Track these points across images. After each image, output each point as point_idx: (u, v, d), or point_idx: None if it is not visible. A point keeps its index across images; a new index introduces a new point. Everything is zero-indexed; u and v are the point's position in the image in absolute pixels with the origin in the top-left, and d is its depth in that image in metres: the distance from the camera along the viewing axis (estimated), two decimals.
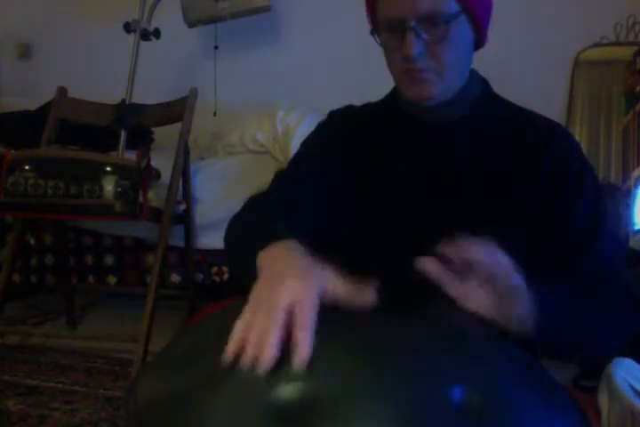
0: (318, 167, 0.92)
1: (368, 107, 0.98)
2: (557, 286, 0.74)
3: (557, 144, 0.84)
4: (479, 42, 0.87)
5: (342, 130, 0.94)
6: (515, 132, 0.86)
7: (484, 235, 0.67)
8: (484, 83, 0.92)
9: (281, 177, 0.95)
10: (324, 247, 0.73)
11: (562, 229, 0.82)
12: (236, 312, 0.62)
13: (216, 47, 2.67)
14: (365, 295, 0.60)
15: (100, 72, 2.81)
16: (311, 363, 0.50)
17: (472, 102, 0.88)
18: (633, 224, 1.73)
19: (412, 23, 0.78)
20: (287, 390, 0.48)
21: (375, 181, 0.89)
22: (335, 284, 0.60)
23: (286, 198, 0.89)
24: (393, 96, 0.94)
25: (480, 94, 0.89)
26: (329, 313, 0.57)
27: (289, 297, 0.55)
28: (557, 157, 0.83)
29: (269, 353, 0.51)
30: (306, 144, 0.98)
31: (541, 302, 0.67)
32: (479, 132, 0.87)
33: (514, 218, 0.82)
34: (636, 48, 2.15)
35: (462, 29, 0.81)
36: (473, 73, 0.90)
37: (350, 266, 0.73)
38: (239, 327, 0.54)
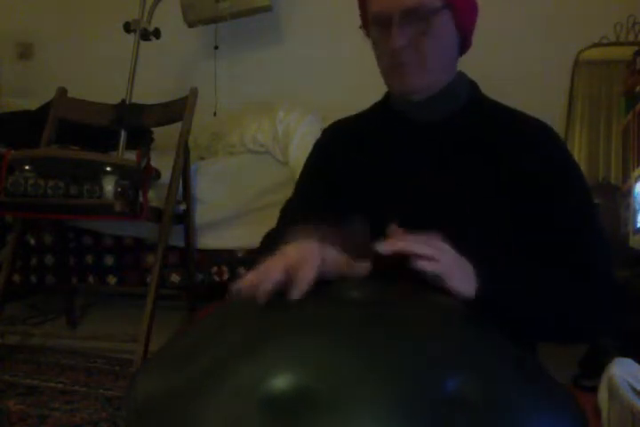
0: (319, 186, 0.97)
1: (360, 114, 1.02)
2: (516, 273, 0.75)
3: (543, 142, 0.87)
4: (463, 44, 0.91)
5: (336, 143, 0.99)
6: (502, 130, 0.88)
7: (473, 230, 0.69)
8: (473, 85, 0.96)
9: (288, 205, 1.01)
10: None
11: (548, 225, 0.83)
12: (233, 310, 0.62)
13: (216, 47, 2.67)
14: (360, 268, 0.68)
15: (100, 72, 2.81)
16: (308, 357, 0.50)
17: (461, 102, 0.91)
18: (633, 224, 1.73)
19: (397, 17, 0.82)
20: (283, 385, 0.48)
21: (371, 180, 0.92)
22: (336, 255, 0.68)
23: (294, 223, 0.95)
24: (385, 100, 0.98)
25: (469, 95, 0.93)
26: (325, 307, 0.58)
27: (296, 253, 0.64)
28: (543, 155, 0.85)
29: (270, 279, 0.59)
30: (305, 166, 1.03)
31: (483, 295, 0.69)
32: (468, 129, 0.89)
33: (502, 213, 0.84)
34: (636, 48, 2.15)
35: (445, 25, 0.85)
36: (462, 75, 0.94)
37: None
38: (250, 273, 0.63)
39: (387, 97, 0.99)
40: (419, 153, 0.90)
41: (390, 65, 0.87)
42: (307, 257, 0.63)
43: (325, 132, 1.04)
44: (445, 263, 0.67)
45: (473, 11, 0.89)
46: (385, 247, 0.66)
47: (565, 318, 0.77)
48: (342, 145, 0.97)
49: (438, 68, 0.88)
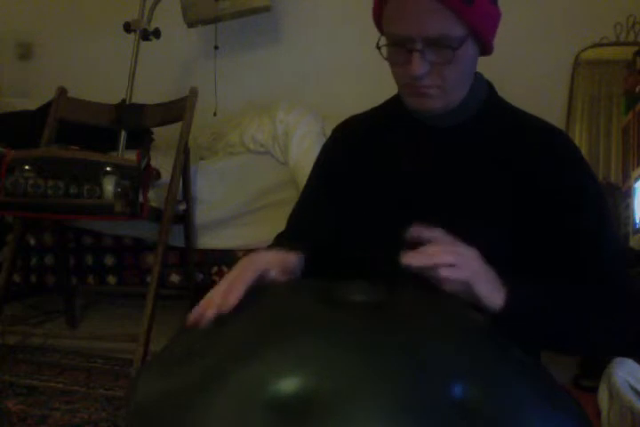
0: (326, 189, 0.96)
1: (371, 112, 1.00)
2: (540, 284, 0.74)
3: (557, 149, 0.85)
4: (485, 50, 0.86)
5: (345, 145, 0.97)
6: (515, 136, 0.86)
7: (482, 235, 0.68)
8: (489, 86, 0.92)
9: (295, 208, 1.01)
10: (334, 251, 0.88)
11: (563, 232, 0.81)
12: (231, 311, 0.62)
13: (216, 47, 2.66)
14: (290, 259, 0.78)
15: (99, 72, 2.81)
16: (310, 360, 0.50)
17: (477, 107, 0.88)
18: (633, 224, 1.73)
19: (419, 45, 0.78)
20: (286, 387, 0.48)
21: (378, 184, 0.91)
22: (273, 260, 0.77)
23: (301, 225, 0.97)
24: (397, 98, 0.94)
25: (485, 99, 0.90)
26: (327, 310, 0.57)
27: (233, 275, 0.74)
28: (557, 162, 0.83)
29: (213, 305, 0.68)
30: (314, 168, 1.01)
31: (513, 302, 0.68)
32: (481, 136, 0.87)
33: (514, 221, 0.82)
34: (636, 48, 2.15)
35: (469, 50, 0.81)
36: (479, 78, 0.90)
37: (355, 265, 0.83)
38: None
39: (399, 95, 0.94)
40: (429, 158, 0.88)
41: (409, 85, 0.83)
42: (239, 276, 0.72)
43: (335, 132, 1.01)
44: (470, 269, 0.65)
45: (496, 24, 0.85)
46: (407, 262, 0.65)
47: (590, 330, 0.76)
48: (351, 147, 0.95)
49: (459, 88, 0.85)
